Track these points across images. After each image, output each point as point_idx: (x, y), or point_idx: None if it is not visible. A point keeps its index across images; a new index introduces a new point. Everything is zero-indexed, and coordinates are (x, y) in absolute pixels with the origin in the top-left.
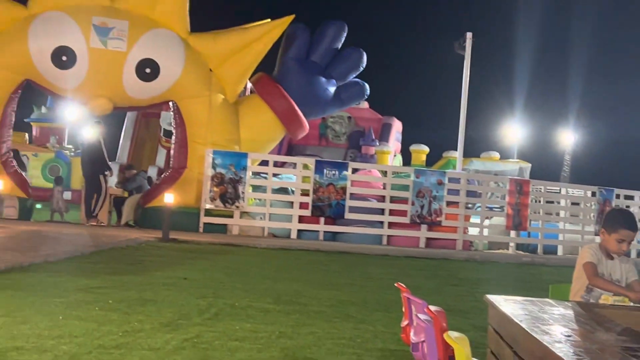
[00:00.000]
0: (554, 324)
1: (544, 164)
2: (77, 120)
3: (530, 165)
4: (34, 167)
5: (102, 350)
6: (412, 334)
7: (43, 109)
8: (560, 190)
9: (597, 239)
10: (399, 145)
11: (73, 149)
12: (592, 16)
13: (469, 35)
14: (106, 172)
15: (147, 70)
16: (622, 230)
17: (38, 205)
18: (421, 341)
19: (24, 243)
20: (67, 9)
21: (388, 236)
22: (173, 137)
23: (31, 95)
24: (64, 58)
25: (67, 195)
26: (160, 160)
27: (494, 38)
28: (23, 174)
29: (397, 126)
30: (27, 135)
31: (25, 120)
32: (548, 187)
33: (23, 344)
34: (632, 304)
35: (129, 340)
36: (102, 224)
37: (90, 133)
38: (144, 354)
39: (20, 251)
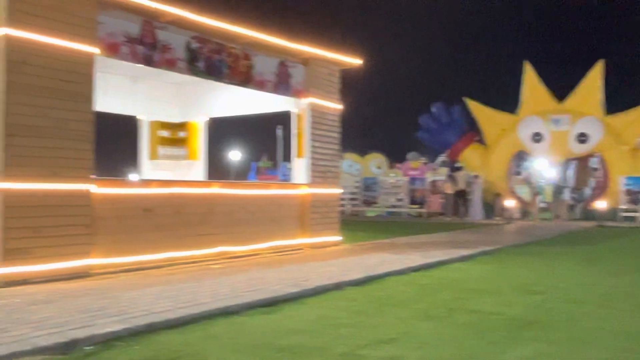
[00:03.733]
0: None
1: None
2: (543, 167)
3: None
4: (523, 193)
5: (552, 277)
6: None
7: (526, 164)
8: None
9: None
10: None
11: (543, 181)
12: None
13: None
14: (563, 193)
15: (582, 138)
16: None
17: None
18: None
19: (523, 231)
20: (537, 113)
21: None
22: (596, 172)
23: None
24: (537, 137)
25: (543, 204)
26: (591, 183)
27: None
28: (520, 195)
29: None
30: (519, 177)
31: (516, 169)
32: None
33: (531, 282)
34: None
35: (594, 281)
36: (564, 219)
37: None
38: (606, 287)
39: (522, 235)
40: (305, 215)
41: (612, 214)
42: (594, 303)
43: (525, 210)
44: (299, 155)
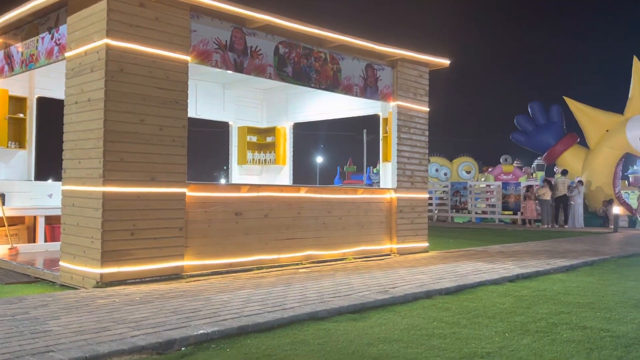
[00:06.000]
0: None
1: None
2: None
3: None
4: (632, 199)
5: None
6: None
7: (635, 167)
8: None
9: None
10: None
11: None
12: None
13: None
14: None
15: None
16: None
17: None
18: None
19: (632, 241)
20: None
21: None
22: None
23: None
24: None
25: None
26: None
27: None
28: (627, 202)
29: None
30: (626, 181)
31: (625, 173)
32: None
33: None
34: None
35: None
36: None
37: None
38: None
39: (630, 245)
40: (393, 221)
41: None
42: None
43: (635, 218)
44: (386, 160)
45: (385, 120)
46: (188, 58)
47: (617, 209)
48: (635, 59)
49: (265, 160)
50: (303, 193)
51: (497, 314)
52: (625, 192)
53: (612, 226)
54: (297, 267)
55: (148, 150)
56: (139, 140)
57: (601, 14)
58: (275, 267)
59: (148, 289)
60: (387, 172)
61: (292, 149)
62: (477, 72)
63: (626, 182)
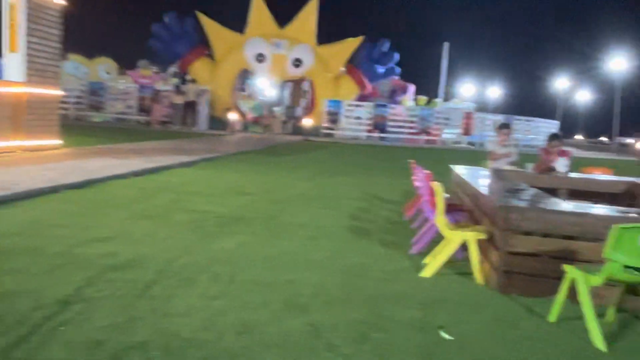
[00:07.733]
0: (483, 178)
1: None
2: (265, 86)
3: (474, 104)
4: (246, 107)
5: (261, 181)
6: (416, 182)
7: (249, 82)
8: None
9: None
10: (411, 97)
11: (262, 98)
12: None
13: (446, 44)
14: (277, 110)
15: (297, 63)
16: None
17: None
18: (420, 186)
19: (242, 142)
20: (261, 35)
21: (406, 139)
22: (307, 94)
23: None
24: (260, 58)
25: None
26: (303, 103)
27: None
28: (242, 109)
29: (412, 88)
30: (242, 93)
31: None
32: (481, 115)
33: (242, 185)
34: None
35: (293, 184)
36: (277, 133)
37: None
38: (302, 189)
39: (240, 145)
40: (20, 116)
41: (316, 130)
42: (291, 202)
43: (245, 124)
44: (12, 50)
45: (13, 6)
46: None
47: (233, 115)
48: None
49: None
50: None
51: (121, 205)
52: (242, 102)
53: (230, 129)
54: None
55: None
56: None
57: None
58: None
59: None
60: (13, 63)
61: None
62: None
63: (242, 93)
